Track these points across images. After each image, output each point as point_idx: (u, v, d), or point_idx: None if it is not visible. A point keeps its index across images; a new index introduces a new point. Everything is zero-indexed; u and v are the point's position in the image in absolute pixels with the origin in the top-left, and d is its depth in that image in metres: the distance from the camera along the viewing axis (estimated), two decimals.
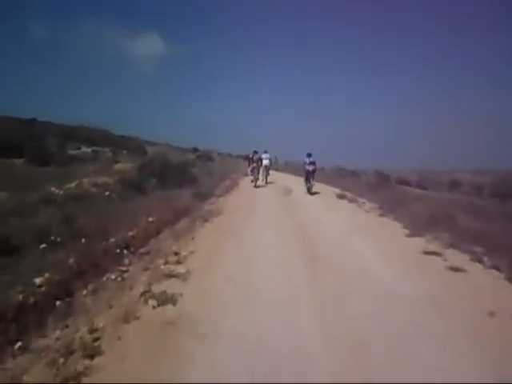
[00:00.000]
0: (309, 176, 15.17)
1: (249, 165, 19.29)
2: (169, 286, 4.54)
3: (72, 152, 24.18)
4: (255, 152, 18.72)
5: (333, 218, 10.19)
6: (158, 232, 7.96)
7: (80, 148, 28.79)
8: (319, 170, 19.59)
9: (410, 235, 7.81)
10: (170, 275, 4.98)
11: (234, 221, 9.32)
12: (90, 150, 28.85)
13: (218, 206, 11.47)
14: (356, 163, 55.52)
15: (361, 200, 13.46)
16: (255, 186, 17.59)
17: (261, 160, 18.48)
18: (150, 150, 53.61)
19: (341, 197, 14.32)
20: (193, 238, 7.46)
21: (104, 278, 4.94)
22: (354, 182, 22.47)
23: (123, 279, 4.95)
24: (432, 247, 6.69)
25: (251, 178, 18.27)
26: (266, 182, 19.13)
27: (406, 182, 33.09)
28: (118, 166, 16.50)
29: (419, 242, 7.11)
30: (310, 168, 14.94)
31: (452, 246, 6.73)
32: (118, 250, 5.90)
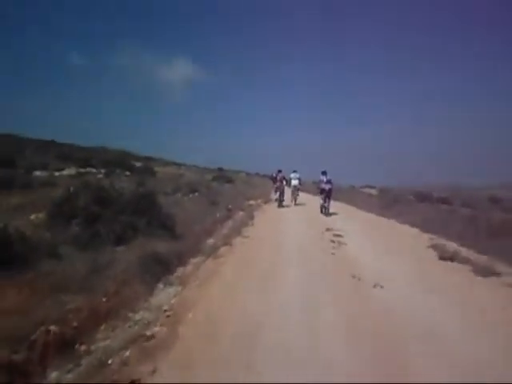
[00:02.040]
0: (324, 195, 13.64)
1: (273, 184, 18.00)
2: None
3: (37, 173, 18.14)
4: (279, 171, 17.22)
5: None
6: None
7: (63, 169, 22.96)
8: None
9: None
10: None
11: None
12: (74, 171, 22.94)
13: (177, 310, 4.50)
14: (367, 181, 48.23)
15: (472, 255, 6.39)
16: (279, 206, 16.41)
17: (285, 179, 17.14)
18: (167, 170, 48.50)
19: (443, 256, 7.01)
20: None
21: None
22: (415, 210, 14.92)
23: None
24: None
25: (275, 199, 17.13)
26: (295, 204, 17.40)
27: (447, 201, 26.49)
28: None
29: None
30: (327, 187, 13.56)
31: None
32: None
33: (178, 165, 61.40)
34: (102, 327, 4.15)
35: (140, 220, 7.54)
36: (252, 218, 12.14)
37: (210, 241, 8.76)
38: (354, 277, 5.63)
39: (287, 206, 16.70)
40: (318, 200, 15.44)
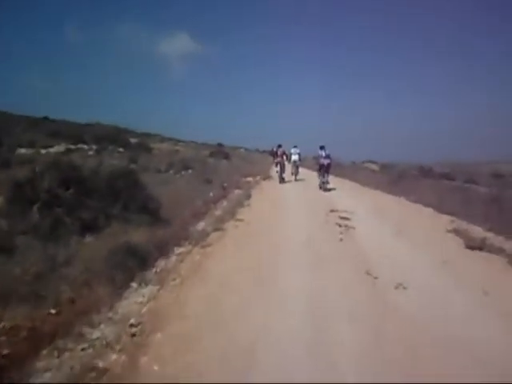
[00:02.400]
0: (323, 170, 13.31)
1: (273, 159, 17.34)
2: None
3: (22, 151, 16.93)
4: (279, 146, 16.63)
5: None
6: None
7: (52, 146, 21.69)
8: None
9: None
10: None
11: None
12: (63, 148, 21.69)
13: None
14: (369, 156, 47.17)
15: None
16: (280, 182, 16.09)
17: (286, 155, 16.63)
18: (164, 146, 47.14)
19: (469, 244, 5.95)
20: None
21: None
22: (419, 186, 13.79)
23: None
24: None
25: (276, 172, 16.84)
26: (296, 180, 16.98)
27: (449, 177, 25.50)
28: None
29: None
30: (325, 162, 13.28)
31: None
32: None
33: (176, 141, 60.12)
34: (45, 352, 3.14)
35: (115, 204, 6.45)
36: (248, 197, 11.05)
37: (200, 225, 7.71)
38: (368, 273, 4.60)
39: (288, 182, 16.44)
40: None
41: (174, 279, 4.69)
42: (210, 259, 5.35)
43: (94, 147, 25.52)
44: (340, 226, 7.15)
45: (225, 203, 10.39)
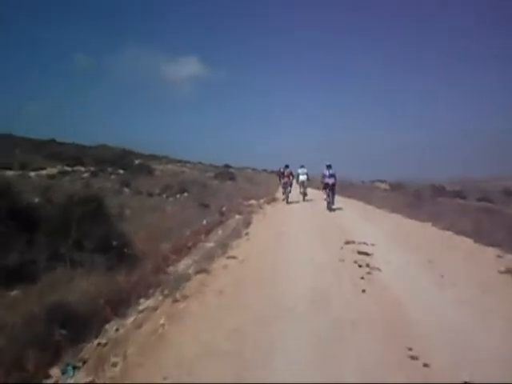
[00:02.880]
0: (328, 190, 12.89)
1: (280, 180, 16.92)
2: None
3: (8, 173, 15.63)
4: (286, 166, 16.30)
5: None
6: None
7: (44, 168, 20.47)
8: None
9: None
10: None
11: None
12: (56, 170, 20.50)
13: None
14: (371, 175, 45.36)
15: None
16: (287, 203, 15.49)
17: (293, 175, 16.17)
18: (169, 168, 46.21)
19: None
20: None
21: None
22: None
23: None
24: None
25: (283, 194, 16.33)
26: (304, 200, 16.44)
27: (462, 196, 24.49)
28: None
29: None
30: (330, 181, 12.83)
31: None
32: None
33: (184, 162, 59.40)
34: None
35: (66, 240, 4.91)
36: (248, 224, 9.46)
37: (182, 264, 6.13)
38: (413, 357, 2.93)
39: (295, 203, 15.75)
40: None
41: (115, 364, 3.07)
42: (177, 325, 3.72)
43: (92, 169, 24.38)
44: (360, 265, 5.47)
45: (220, 232, 8.81)
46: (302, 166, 16.49)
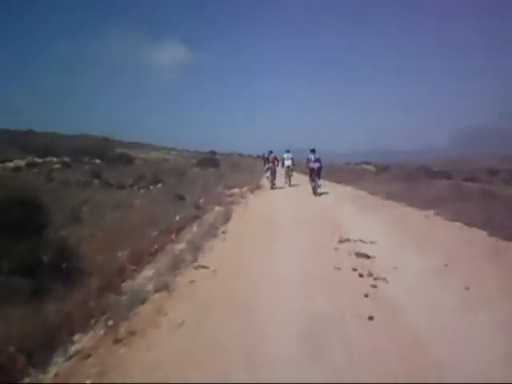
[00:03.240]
0: (314, 175, 12.71)
1: (264, 165, 16.89)
2: None
3: None
4: (270, 152, 16.12)
5: None
6: None
7: (11, 160, 18.81)
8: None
9: None
10: None
11: None
12: (24, 162, 18.86)
13: None
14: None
15: None
16: (272, 188, 15.34)
17: (278, 160, 16.03)
18: (153, 155, 44.60)
19: None
20: None
21: None
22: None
23: None
24: None
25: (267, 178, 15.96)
26: (290, 185, 16.36)
27: (448, 177, 23.31)
28: None
29: None
30: (315, 166, 12.64)
31: None
32: None
33: (169, 149, 57.75)
34: None
35: None
36: (227, 219, 8.27)
37: (143, 276, 4.94)
38: None
39: (280, 188, 15.57)
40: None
41: None
42: None
43: (66, 160, 22.76)
44: (361, 275, 4.36)
45: (194, 229, 7.61)
46: (287, 151, 16.64)
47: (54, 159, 22.32)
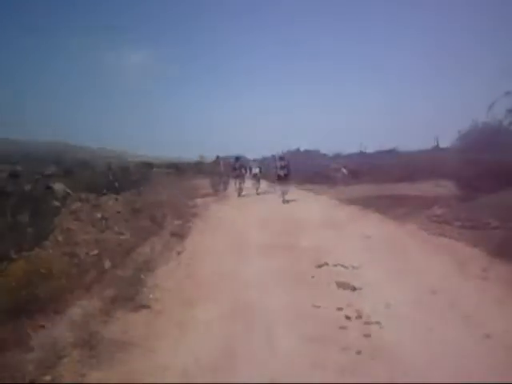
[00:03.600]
0: (282, 182, 12.71)
1: (230, 173, 15.88)
2: None
3: None
4: (237, 158, 15.50)
5: None
6: None
7: None
8: None
9: None
10: None
11: None
12: None
13: None
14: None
15: None
16: (239, 196, 14.58)
17: (244, 168, 15.72)
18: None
19: None
20: None
21: None
22: None
23: None
24: None
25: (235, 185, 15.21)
26: (258, 194, 15.24)
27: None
28: None
29: None
30: (282, 173, 12.61)
31: None
32: None
33: (155, 160, 55.36)
34: None
35: None
36: (182, 237, 7.08)
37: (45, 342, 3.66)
38: None
39: (247, 196, 14.83)
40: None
41: None
42: None
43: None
44: (348, 317, 3.36)
45: (146, 250, 6.34)
46: (254, 160, 17.28)
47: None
